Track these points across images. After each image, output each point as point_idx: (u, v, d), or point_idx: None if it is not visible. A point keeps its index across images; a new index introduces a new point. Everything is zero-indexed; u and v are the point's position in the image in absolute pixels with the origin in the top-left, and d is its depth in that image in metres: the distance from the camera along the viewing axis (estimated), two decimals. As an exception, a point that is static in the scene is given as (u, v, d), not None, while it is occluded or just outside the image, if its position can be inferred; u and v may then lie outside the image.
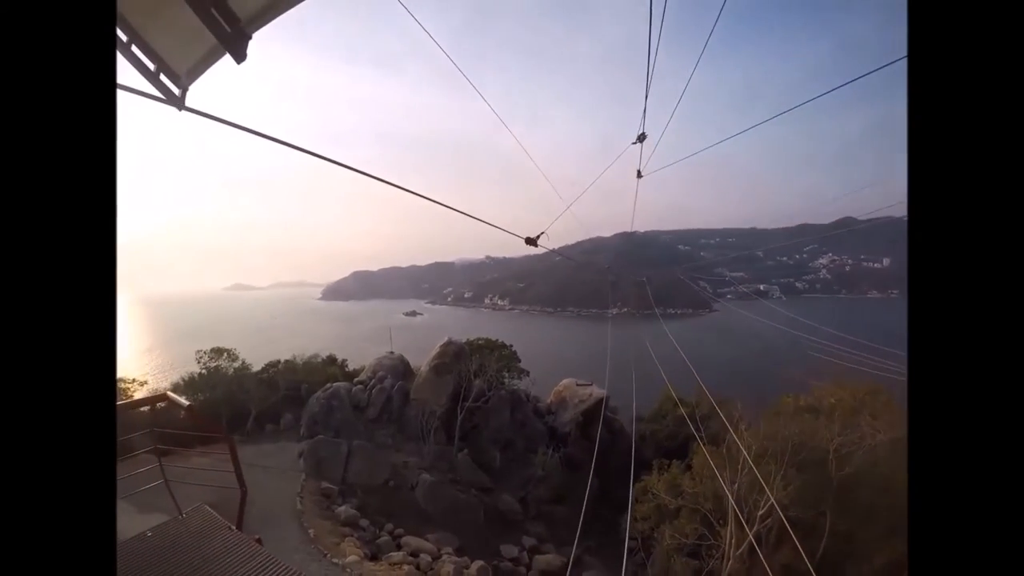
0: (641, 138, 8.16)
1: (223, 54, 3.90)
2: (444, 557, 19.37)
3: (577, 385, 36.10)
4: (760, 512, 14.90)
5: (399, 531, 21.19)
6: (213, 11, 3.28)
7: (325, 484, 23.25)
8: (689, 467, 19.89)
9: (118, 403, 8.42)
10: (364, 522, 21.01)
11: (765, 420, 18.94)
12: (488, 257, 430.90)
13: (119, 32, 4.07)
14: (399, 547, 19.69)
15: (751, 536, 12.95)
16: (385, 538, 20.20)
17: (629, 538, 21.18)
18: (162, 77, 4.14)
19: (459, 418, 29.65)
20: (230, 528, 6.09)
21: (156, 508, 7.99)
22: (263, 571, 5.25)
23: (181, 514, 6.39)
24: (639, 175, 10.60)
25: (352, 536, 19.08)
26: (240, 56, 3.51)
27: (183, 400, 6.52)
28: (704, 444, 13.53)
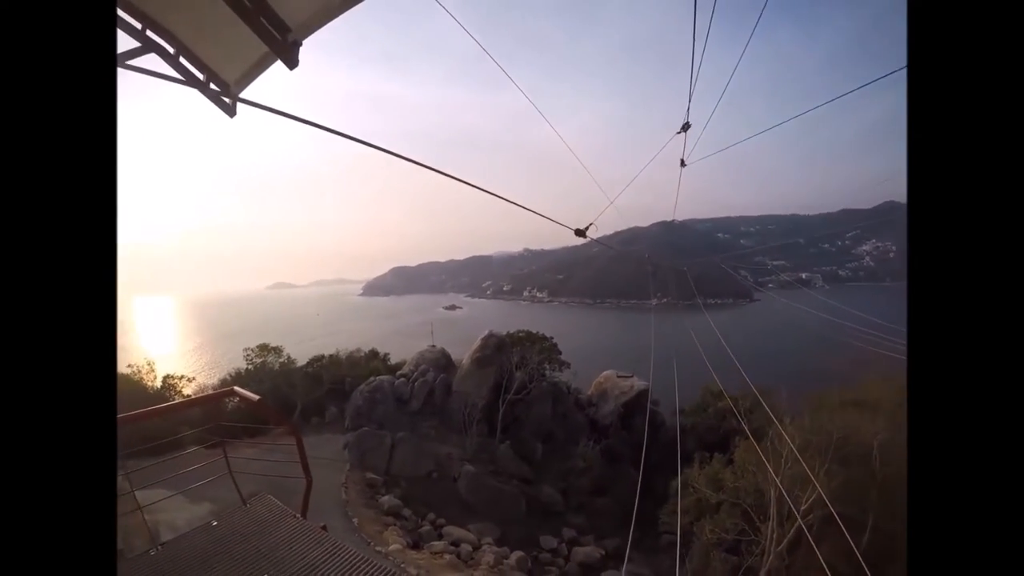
0: (685, 127, 8.06)
1: (271, 63, 4.07)
2: (484, 547, 19.57)
3: (618, 377, 35.86)
4: (803, 507, 14.71)
5: (441, 521, 21.48)
6: (263, 21, 3.42)
7: (369, 475, 23.66)
8: (731, 461, 19.71)
9: (189, 398, 8.69)
10: (407, 512, 21.34)
11: (808, 413, 18.66)
12: (526, 250, 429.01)
13: (166, 45, 4.29)
14: (440, 537, 19.95)
15: (802, 525, 12.72)
16: (427, 528, 20.49)
17: (667, 532, 21.12)
18: (212, 86, 4.37)
19: (501, 410, 29.86)
20: (295, 516, 6.17)
21: (221, 498, 8.29)
22: (331, 557, 5.30)
23: (245, 503, 6.49)
24: (683, 164, 10.41)
25: (395, 525, 19.39)
26: (292, 63, 3.65)
27: (252, 395, 6.67)
28: (751, 438, 13.33)
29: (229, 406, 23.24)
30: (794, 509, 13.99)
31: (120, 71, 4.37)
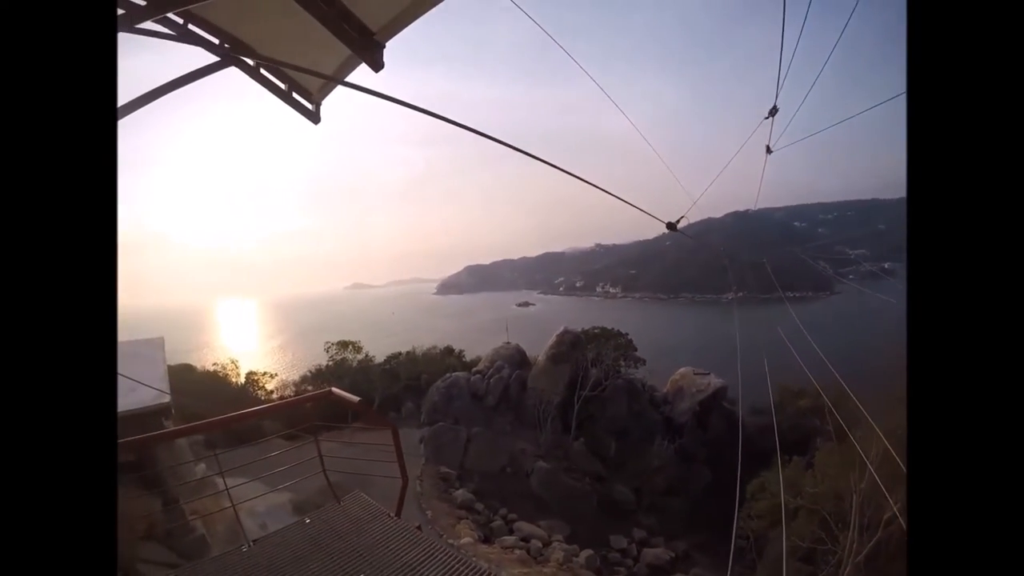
0: (773, 112, 7.62)
1: (353, 68, 4.17)
2: (554, 544, 19.60)
3: (695, 374, 35.09)
4: (886, 516, 14.03)
5: (512, 516, 21.68)
6: (346, 26, 3.54)
7: (444, 468, 24.08)
8: (810, 464, 19.05)
9: (287, 399, 8.87)
10: (479, 506, 21.68)
11: (892, 415, 17.79)
12: (597, 245, 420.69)
13: (246, 58, 4.42)
14: (511, 532, 20.15)
15: (902, 522, 12.02)
16: (499, 522, 20.74)
17: (739, 537, 20.47)
18: (295, 95, 4.56)
19: (575, 407, 29.77)
20: (390, 516, 6.08)
21: (315, 496, 8.48)
22: (428, 559, 5.13)
23: (339, 501, 6.46)
24: (768, 151, 9.86)
25: (467, 519, 19.69)
26: (377, 65, 3.71)
27: (352, 396, 6.65)
28: (849, 436, 12.66)
29: (319, 396, 23.94)
30: (894, 509, 13.26)
31: (199, 85, 4.63)
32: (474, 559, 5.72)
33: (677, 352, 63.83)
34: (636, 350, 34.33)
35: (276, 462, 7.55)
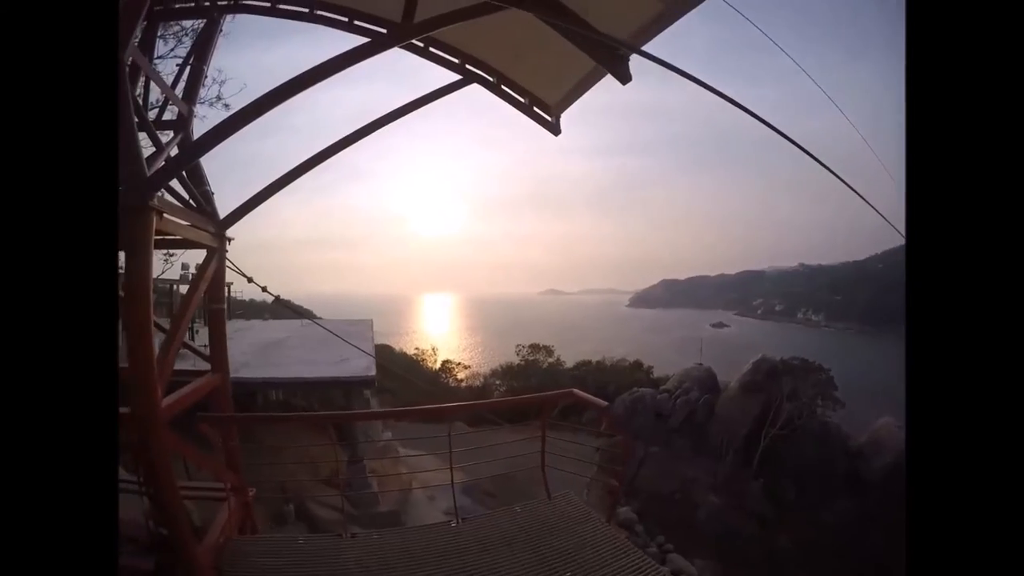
0: None
1: (594, 82, 4.28)
2: (703, 587, 18.87)
3: (897, 428, 31.70)
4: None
5: (668, 546, 21.00)
6: (593, 40, 3.64)
7: (613, 482, 23.96)
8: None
9: (525, 396, 9.22)
10: (639, 528, 21.37)
11: None
12: (802, 265, 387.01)
13: (486, 75, 4.81)
14: (664, 562, 19.42)
15: None
16: (653, 549, 20.10)
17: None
18: (535, 109, 4.79)
19: (761, 443, 28.06)
20: (601, 520, 6.04)
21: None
22: (636, 572, 4.94)
23: (549, 497, 6.51)
24: None
25: (624, 538, 19.46)
26: (624, 77, 3.78)
27: (599, 400, 6.77)
28: None
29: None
30: None
31: (446, 101, 5.12)
32: None
33: (880, 398, 57.84)
34: (837, 389, 31.62)
35: (497, 452, 7.95)
